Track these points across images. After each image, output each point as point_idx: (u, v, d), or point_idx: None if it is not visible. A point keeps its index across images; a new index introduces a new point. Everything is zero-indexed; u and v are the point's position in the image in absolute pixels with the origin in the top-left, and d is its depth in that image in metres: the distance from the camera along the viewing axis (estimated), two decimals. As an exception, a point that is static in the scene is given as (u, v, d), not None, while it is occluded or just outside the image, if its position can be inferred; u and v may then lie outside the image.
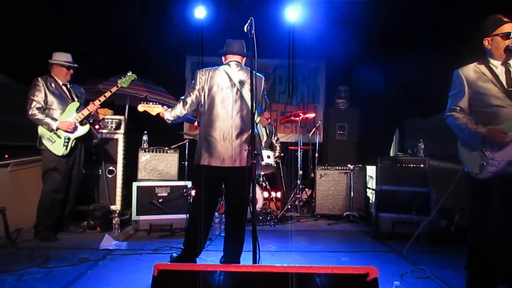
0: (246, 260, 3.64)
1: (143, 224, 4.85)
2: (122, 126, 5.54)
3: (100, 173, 5.41)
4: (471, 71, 3.06)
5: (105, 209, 5.08)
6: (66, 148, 4.52)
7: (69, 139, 4.55)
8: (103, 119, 5.39)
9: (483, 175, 2.92)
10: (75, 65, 4.77)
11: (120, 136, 5.51)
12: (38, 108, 4.48)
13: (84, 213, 5.13)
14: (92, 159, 5.35)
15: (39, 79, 4.59)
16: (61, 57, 4.73)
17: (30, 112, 4.45)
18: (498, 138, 2.84)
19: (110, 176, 5.43)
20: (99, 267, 3.57)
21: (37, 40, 5.35)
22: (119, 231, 4.90)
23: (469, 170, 3.02)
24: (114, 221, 4.90)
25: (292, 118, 6.60)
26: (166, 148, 5.95)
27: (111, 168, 5.45)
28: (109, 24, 6.15)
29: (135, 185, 4.95)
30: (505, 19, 2.95)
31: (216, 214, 5.10)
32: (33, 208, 4.56)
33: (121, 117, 5.58)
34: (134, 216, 4.87)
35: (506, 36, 2.91)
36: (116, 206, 5.39)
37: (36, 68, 4.82)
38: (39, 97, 4.51)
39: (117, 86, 4.73)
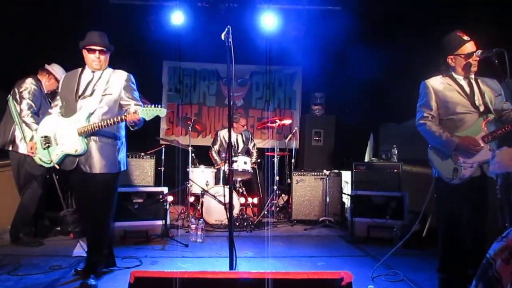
0: (223, 266, 3.64)
1: (118, 230, 4.77)
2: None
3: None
4: (437, 82, 3.24)
5: (79, 215, 4.99)
6: None
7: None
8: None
9: (457, 181, 3.02)
10: None
11: (94, 141, 5.42)
12: (32, 112, 4.36)
13: (57, 218, 5.01)
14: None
15: (33, 80, 4.48)
16: (61, 73, 4.67)
17: (25, 116, 4.31)
18: (472, 147, 2.98)
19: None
20: (72, 275, 3.50)
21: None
22: (93, 238, 4.81)
23: (442, 175, 3.11)
24: (88, 228, 4.81)
25: (268, 124, 6.64)
26: (142, 154, 5.90)
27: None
28: (85, 26, 6.05)
29: (110, 191, 4.87)
30: (465, 37, 3.12)
31: (193, 220, 5.07)
32: (2, 214, 4.44)
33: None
34: (109, 223, 4.79)
35: (468, 56, 3.09)
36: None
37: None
38: (34, 100, 4.39)
39: None
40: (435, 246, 3.28)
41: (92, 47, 3.32)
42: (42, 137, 3.32)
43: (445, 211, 3.17)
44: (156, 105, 3.12)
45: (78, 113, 3.24)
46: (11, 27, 5.27)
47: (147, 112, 3.09)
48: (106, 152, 3.28)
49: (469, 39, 3.11)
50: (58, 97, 3.46)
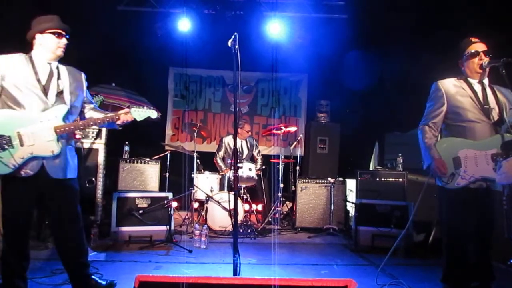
0: (226, 273, 3.63)
1: (122, 235, 4.79)
2: (103, 136, 5.48)
3: (79, 183, 5.33)
4: (451, 84, 3.17)
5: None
6: None
7: None
8: (84, 129, 5.32)
9: (451, 185, 3.02)
10: None
11: (100, 146, 5.44)
12: None
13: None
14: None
15: None
16: None
17: None
18: (438, 171, 3.05)
19: (89, 186, 5.35)
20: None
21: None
22: (97, 242, 4.82)
23: (440, 178, 3.11)
24: (92, 232, 4.82)
25: (273, 131, 6.65)
26: (148, 159, 5.91)
27: (90, 178, 5.37)
28: (92, 32, 6.12)
29: (115, 195, 4.90)
30: (474, 40, 3.10)
31: (197, 226, 5.07)
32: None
33: (102, 127, 5.53)
34: (114, 227, 4.81)
35: (473, 55, 3.06)
36: (95, 217, 5.30)
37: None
38: None
39: None
40: (439, 257, 3.27)
41: (61, 31, 2.94)
42: None
43: (448, 221, 3.15)
44: (149, 107, 3.17)
45: (53, 109, 2.82)
46: (12, 32, 5.32)
47: (139, 113, 3.10)
48: (72, 155, 3.01)
49: (478, 40, 3.10)
50: (2, 85, 2.76)
